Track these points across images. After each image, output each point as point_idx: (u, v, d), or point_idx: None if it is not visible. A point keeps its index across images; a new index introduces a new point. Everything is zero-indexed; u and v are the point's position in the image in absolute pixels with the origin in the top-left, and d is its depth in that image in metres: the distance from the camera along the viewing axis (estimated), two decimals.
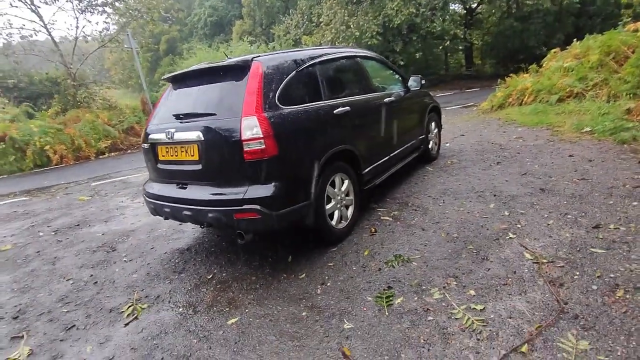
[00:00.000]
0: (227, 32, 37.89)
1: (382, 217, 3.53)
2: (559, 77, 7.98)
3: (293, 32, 19.89)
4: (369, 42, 16.42)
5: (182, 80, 3.14)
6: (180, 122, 2.84)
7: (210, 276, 2.93)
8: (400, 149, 4.19)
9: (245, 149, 2.50)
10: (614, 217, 2.91)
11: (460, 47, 22.85)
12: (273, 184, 2.56)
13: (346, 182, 3.22)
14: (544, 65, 9.32)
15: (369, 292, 2.42)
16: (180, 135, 2.77)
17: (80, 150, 10.22)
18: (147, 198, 3.17)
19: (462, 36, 18.06)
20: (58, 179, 7.92)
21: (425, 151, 4.97)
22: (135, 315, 2.54)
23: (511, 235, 2.86)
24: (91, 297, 2.85)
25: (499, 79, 10.04)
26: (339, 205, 3.13)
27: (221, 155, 2.61)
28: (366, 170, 3.49)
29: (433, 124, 5.19)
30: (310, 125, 2.86)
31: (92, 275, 3.20)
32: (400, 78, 4.55)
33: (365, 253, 2.92)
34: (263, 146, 2.50)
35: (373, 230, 3.29)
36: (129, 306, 2.65)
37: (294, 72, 2.91)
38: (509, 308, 2.09)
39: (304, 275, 2.74)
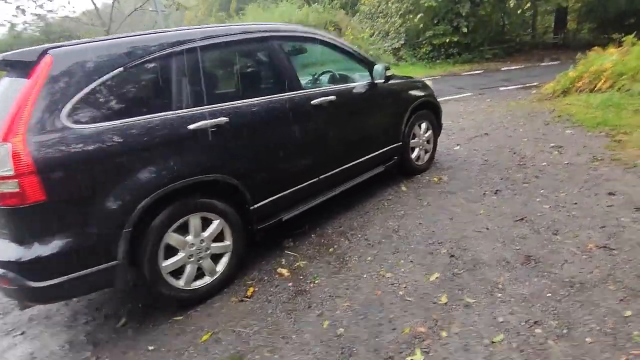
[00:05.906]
0: None
1: (278, 269, 2.56)
2: None
3: None
4: (427, 4, 14.16)
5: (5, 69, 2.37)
6: None
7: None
8: (345, 167, 3.06)
9: None
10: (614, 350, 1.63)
11: (549, 9, 19.03)
12: (38, 242, 1.76)
13: (215, 223, 2.30)
14: None
15: None
16: None
17: None
18: None
19: None
20: None
21: (403, 162, 3.73)
22: None
23: (418, 355, 1.75)
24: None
25: (587, 51, 7.72)
26: (192, 259, 2.24)
27: None
28: (261, 203, 2.51)
29: (423, 125, 3.87)
30: (128, 151, 1.93)
31: None
32: (365, 66, 3.30)
33: (202, 339, 2.03)
34: (17, 189, 1.68)
35: (249, 293, 2.36)
36: None
37: (120, 69, 1.97)
38: None
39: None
